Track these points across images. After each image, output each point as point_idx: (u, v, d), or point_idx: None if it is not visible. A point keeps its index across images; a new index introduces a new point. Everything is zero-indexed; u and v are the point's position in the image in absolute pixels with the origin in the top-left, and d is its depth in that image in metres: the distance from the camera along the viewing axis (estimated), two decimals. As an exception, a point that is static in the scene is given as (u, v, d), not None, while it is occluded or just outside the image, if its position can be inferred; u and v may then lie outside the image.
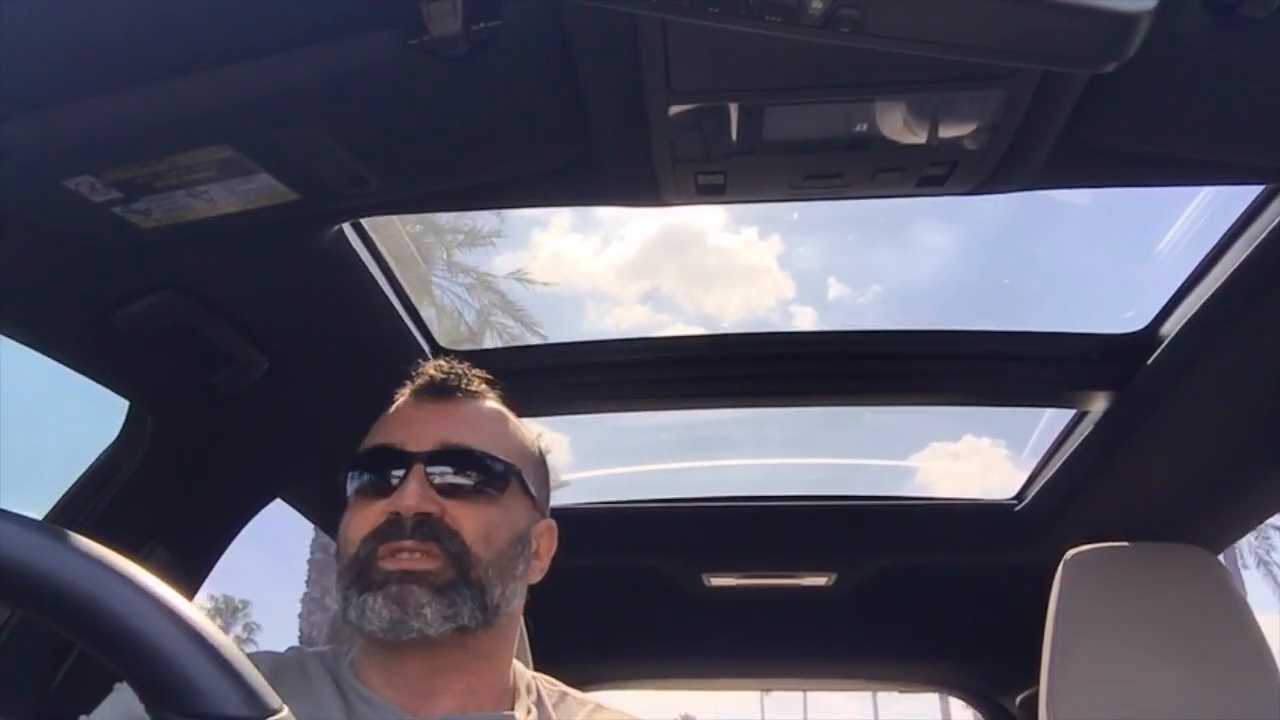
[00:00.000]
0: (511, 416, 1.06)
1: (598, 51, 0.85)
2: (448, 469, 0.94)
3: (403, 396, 1.04)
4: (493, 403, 1.05)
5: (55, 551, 0.42)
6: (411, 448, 0.95)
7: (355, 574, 0.91)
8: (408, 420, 1.00)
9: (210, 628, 0.43)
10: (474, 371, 1.04)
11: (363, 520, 0.93)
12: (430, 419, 0.99)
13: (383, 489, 0.94)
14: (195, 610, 0.43)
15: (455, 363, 1.05)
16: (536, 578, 1.03)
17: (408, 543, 0.90)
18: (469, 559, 0.92)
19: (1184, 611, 1.34)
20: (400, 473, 0.93)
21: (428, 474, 0.93)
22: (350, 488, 0.97)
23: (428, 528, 0.91)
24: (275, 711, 0.43)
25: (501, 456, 0.98)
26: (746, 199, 1.09)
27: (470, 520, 0.93)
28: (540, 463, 1.07)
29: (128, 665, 0.42)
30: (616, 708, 1.05)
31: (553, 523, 1.06)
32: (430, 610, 0.89)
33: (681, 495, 2.15)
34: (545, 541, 1.04)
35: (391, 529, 0.91)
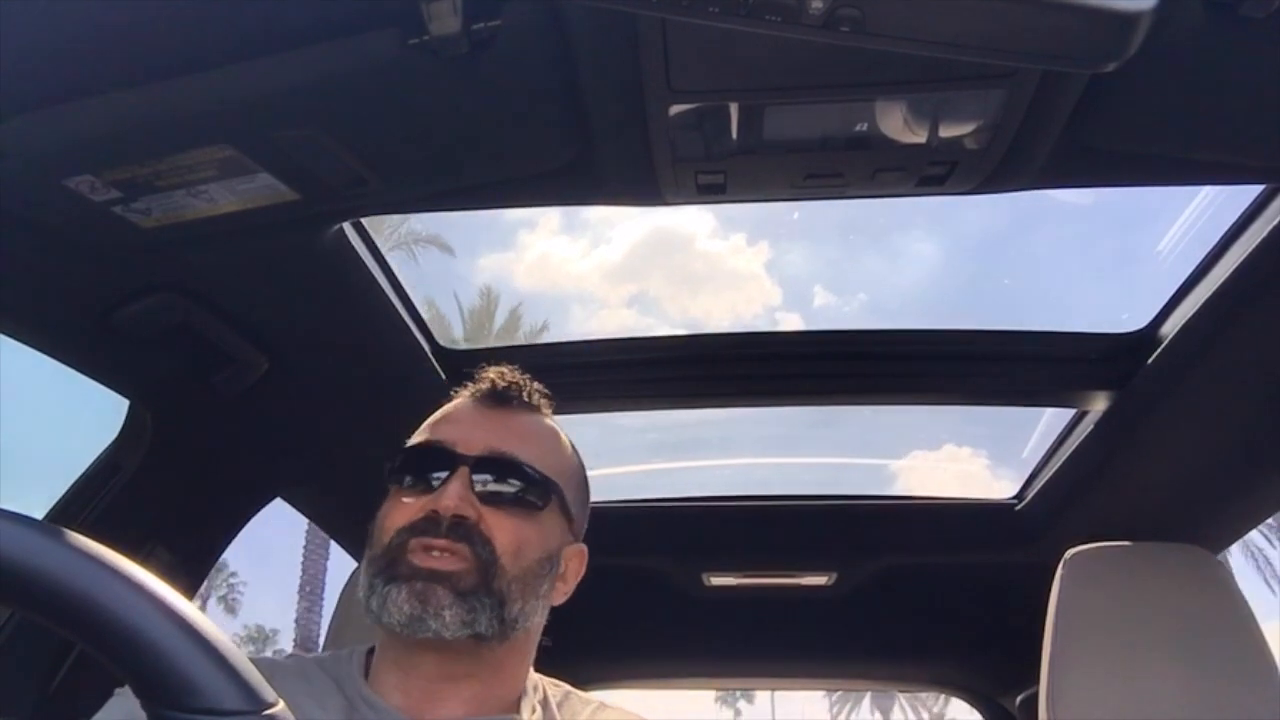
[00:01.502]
0: (563, 435, 1.06)
1: (598, 51, 0.85)
2: (492, 476, 0.95)
3: (460, 397, 1.05)
4: (547, 419, 1.05)
5: (46, 547, 0.42)
6: (460, 450, 0.95)
7: (384, 564, 0.92)
8: (461, 421, 1.00)
9: (204, 622, 0.43)
10: (534, 385, 1.04)
11: (400, 513, 0.94)
12: (483, 424, 0.99)
13: (425, 485, 0.95)
14: (189, 605, 0.43)
15: (517, 372, 1.04)
16: (560, 600, 1.02)
17: (440, 541, 0.91)
18: (495, 569, 0.92)
19: (1184, 611, 1.33)
20: (444, 473, 0.94)
21: (472, 479, 0.94)
22: (393, 478, 0.97)
23: (462, 529, 0.91)
24: (271, 705, 0.43)
25: (546, 473, 0.98)
26: (747, 199, 1.09)
27: (505, 531, 0.93)
28: (583, 485, 1.07)
29: (122, 661, 0.42)
30: (620, 706, 1.05)
31: (584, 548, 1.05)
32: (450, 613, 0.89)
33: (681, 495, 2.15)
34: (574, 565, 1.03)
35: (427, 525, 0.91)
